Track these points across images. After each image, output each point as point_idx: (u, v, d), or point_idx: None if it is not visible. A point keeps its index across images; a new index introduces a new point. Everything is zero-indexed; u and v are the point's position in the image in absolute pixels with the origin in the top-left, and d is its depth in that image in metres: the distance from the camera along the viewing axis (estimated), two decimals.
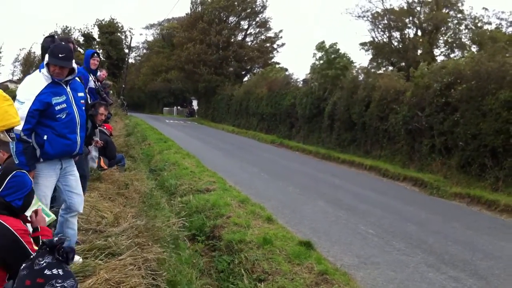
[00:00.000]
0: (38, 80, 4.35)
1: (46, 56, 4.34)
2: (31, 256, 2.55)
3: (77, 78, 4.69)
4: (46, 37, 5.56)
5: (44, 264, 2.52)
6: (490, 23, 28.68)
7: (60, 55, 4.25)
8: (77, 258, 4.39)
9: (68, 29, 48.87)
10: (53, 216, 3.96)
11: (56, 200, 5.11)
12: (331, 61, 23.33)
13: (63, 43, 4.76)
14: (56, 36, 5.91)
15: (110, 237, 4.92)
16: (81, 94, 4.69)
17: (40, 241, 2.73)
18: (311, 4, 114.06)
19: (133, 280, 3.97)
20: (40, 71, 4.39)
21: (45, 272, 2.50)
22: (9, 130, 3.51)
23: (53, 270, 2.52)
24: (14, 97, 4.18)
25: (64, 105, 4.41)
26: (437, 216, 10.43)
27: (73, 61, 4.43)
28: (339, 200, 11.29)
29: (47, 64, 4.32)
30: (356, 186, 13.69)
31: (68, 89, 4.49)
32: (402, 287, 6.11)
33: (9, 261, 2.90)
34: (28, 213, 3.42)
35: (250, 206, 9.22)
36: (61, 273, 2.52)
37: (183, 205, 9.47)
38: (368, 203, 11.16)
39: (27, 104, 4.19)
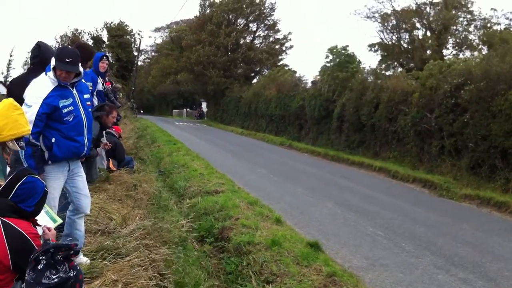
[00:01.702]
0: (45, 84, 4.37)
1: (53, 59, 4.36)
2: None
3: (82, 80, 4.71)
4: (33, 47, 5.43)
5: (74, 274, 2.62)
6: (499, 24, 28.54)
7: (67, 60, 4.27)
8: (84, 260, 4.41)
9: (78, 32, 49.08)
10: (60, 220, 3.97)
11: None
12: (342, 64, 23.29)
13: (70, 46, 4.77)
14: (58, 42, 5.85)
15: (118, 238, 4.93)
16: (86, 96, 4.72)
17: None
18: (320, 6, 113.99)
19: (140, 281, 3.98)
20: (46, 74, 4.41)
21: (79, 277, 2.64)
22: (18, 139, 3.53)
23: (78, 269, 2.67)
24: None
25: (71, 108, 4.43)
26: (447, 218, 10.36)
27: (80, 64, 4.45)
28: (348, 201, 11.26)
29: (54, 68, 4.34)
30: (365, 187, 13.64)
31: (74, 91, 4.52)
32: None
33: (20, 263, 2.91)
34: (40, 218, 3.42)
35: (259, 208, 9.21)
36: (78, 267, 2.63)
37: (192, 207, 9.47)
38: (377, 204, 11.12)
39: (34, 108, 4.22)
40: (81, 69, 4.49)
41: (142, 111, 44.18)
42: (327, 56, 24.51)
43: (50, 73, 4.36)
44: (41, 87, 4.36)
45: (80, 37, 46.18)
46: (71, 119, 4.43)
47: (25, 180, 3.19)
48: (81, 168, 4.77)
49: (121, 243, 4.74)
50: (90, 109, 4.76)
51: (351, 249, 7.62)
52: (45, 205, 3.55)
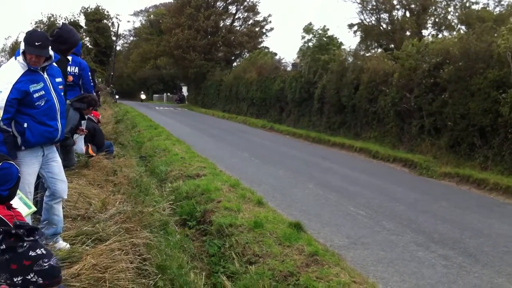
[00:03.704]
0: (14, 68, 4.26)
1: (22, 43, 4.26)
2: (8, 241, 2.53)
3: (54, 64, 4.61)
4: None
5: (27, 246, 2.51)
6: (477, 3, 28.67)
7: (36, 43, 4.16)
8: (64, 244, 4.37)
9: (54, 17, 48.23)
10: (33, 208, 3.91)
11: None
12: (324, 46, 23.23)
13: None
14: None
15: (98, 223, 4.89)
16: (58, 80, 4.62)
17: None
18: None
19: (121, 265, 3.95)
20: (15, 58, 4.30)
21: (30, 253, 2.49)
22: None
23: (37, 251, 2.52)
24: None
25: (43, 92, 4.34)
26: (427, 196, 10.48)
27: (50, 48, 4.36)
28: (329, 182, 11.32)
29: (23, 52, 4.24)
30: (346, 168, 13.73)
31: (45, 75, 4.42)
32: (391, 266, 6.14)
33: None
34: (14, 204, 3.38)
35: (241, 190, 9.20)
36: (44, 252, 2.53)
37: (173, 191, 9.45)
38: (358, 184, 11.20)
39: (4, 93, 4.11)
40: (51, 53, 4.39)
41: (117, 97, 43.36)
42: (303, 37, 24.46)
43: (20, 58, 4.25)
44: (10, 72, 4.25)
45: (56, 22, 45.38)
46: (42, 104, 4.34)
47: (0, 166, 3.17)
48: (56, 153, 4.69)
49: (100, 228, 4.70)
50: (62, 93, 4.67)
51: (333, 228, 7.67)
52: (19, 192, 3.51)
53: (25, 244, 2.49)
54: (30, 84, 4.25)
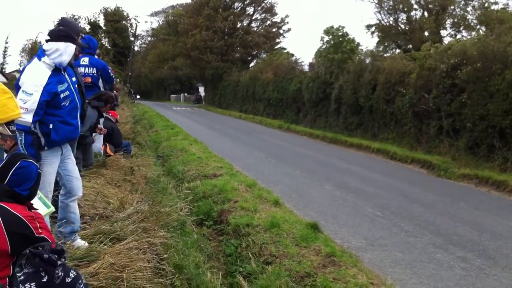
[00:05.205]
0: (42, 70, 4.26)
1: (46, 43, 4.26)
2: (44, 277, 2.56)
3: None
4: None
5: (61, 274, 2.54)
6: (497, 3, 28.27)
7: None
8: (82, 243, 4.40)
9: (75, 17, 48.64)
10: (52, 207, 3.94)
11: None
12: (338, 45, 23.17)
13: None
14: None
15: (116, 222, 4.92)
16: (74, 79, 4.66)
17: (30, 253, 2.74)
18: None
19: (138, 264, 3.97)
20: (40, 59, 4.31)
21: (67, 281, 2.56)
22: (9, 123, 3.48)
23: (70, 274, 2.63)
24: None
25: (67, 93, 4.39)
26: (445, 198, 10.37)
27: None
28: (346, 183, 11.26)
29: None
30: (364, 169, 13.64)
31: (66, 75, 4.46)
32: (409, 268, 6.09)
33: (18, 247, 2.89)
34: (34, 202, 3.40)
35: (257, 191, 9.20)
36: (75, 273, 2.57)
37: (190, 191, 9.47)
38: (376, 185, 11.13)
39: (36, 96, 4.12)
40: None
41: (138, 97, 44.00)
42: (322, 38, 24.40)
43: (46, 58, 4.26)
44: (39, 74, 4.25)
45: (77, 22, 45.76)
46: (67, 104, 4.39)
47: (18, 165, 3.15)
48: (71, 151, 4.73)
49: (118, 227, 4.73)
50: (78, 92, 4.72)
51: (350, 229, 7.63)
52: (38, 192, 3.53)
53: (59, 273, 2.51)
54: (58, 85, 4.29)
